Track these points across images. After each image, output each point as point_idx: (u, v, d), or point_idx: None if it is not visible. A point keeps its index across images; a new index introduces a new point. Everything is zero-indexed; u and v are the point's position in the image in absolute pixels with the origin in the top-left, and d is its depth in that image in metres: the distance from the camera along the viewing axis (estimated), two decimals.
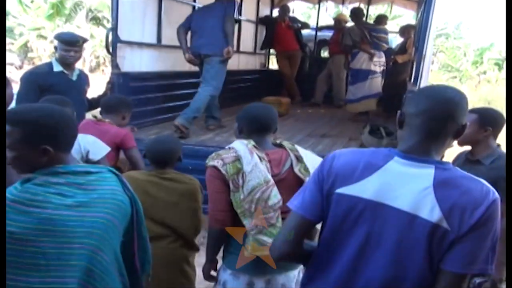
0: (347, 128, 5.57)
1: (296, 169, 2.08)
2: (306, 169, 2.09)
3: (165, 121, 5.22)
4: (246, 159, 1.99)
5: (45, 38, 19.83)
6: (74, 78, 3.70)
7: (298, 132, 5.13)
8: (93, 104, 3.97)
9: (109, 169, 1.54)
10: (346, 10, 9.35)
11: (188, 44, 4.82)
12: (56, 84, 3.48)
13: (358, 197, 1.35)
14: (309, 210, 1.44)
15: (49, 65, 3.69)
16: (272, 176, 2.01)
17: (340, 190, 1.38)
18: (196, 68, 5.11)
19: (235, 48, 7.48)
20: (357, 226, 1.37)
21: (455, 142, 2.52)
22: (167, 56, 5.42)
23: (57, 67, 3.62)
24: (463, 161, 2.59)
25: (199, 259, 2.69)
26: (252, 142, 2.07)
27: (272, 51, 8.77)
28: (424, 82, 4.59)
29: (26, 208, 1.33)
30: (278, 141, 2.22)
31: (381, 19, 6.63)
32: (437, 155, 1.37)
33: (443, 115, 1.33)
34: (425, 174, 1.31)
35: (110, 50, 4.31)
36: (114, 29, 4.24)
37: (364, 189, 1.35)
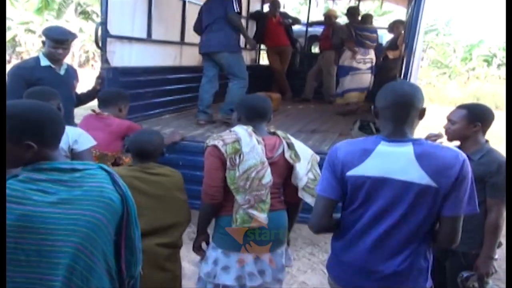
0: (337, 124, 5.58)
1: (287, 155, 2.35)
2: (296, 155, 2.37)
3: (155, 116, 5.20)
4: (245, 141, 2.24)
5: (33, 32, 19.67)
6: (62, 72, 3.67)
7: (288, 127, 5.13)
8: (82, 99, 3.94)
9: (101, 166, 1.51)
10: (336, 6, 9.37)
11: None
12: (43, 79, 3.44)
13: (364, 176, 1.77)
14: (330, 192, 1.86)
15: (36, 59, 3.64)
16: (267, 158, 2.28)
17: (349, 173, 1.79)
18: (187, 63, 5.10)
19: None
20: (372, 197, 1.79)
21: (444, 138, 2.57)
22: (158, 51, 5.40)
23: (44, 62, 3.59)
24: None
25: (189, 255, 2.69)
26: (251, 127, 2.31)
27: (262, 46, 8.76)
28: (413, 78, 4.60)
29: (9, 203, 1.31)
30: (272, 130, 2.48)
31: (366, 18, 6.82)
32: (411, 134, 1.79)
33: (405, 105, 1.76)
34: (407, 150, 1.74)
35: (100, 44, 4.27)
36: (104, 23, 4.21)
37: (366, 168, 1.77)
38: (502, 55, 23.12)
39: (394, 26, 6.95)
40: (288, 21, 7.90)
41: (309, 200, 2.38)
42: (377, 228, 1.80)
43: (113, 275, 1.47)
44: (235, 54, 4.85)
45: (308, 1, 9.50)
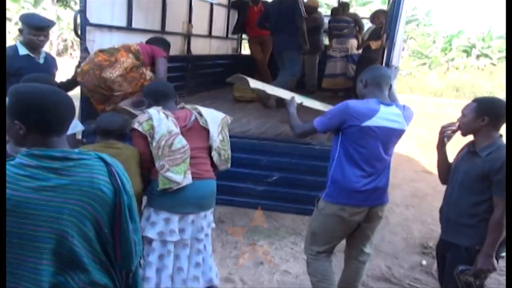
0: (318, 114, 5.57)
1: (200, 122, 2.82)
2: (206, 121, 2.83)
3: None
4: (156, 117, 2.66)
5: (9, 20, 19.19)
6: (42, 61, 3.60)
7: (269, 118, 5.14)
8: (62, 88, 3.87)
9: (99, 156, 1.54)
10: None
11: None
12: (23, 68, 3.37)
13: (377, 126, 2.60)
14: (322, 129, 2.77)
15: (14, 48, 3.56)
16: (181, 127, 2.71)
17: (366, 124, 2.58)
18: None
19: (206, 32, 7.48)
20: (378, 140, 2.63)
21: (458, 134, 2.63)
22: (138, 40, 5.28)
23: (22, 51, 3.51)
24: (466, 151, 2.56)
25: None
26: (161, 107, 2.75)
27: (244, 36, 8.71)
28: (394, 70, 4.63)
29: None
30: (182, 105, 2.93)
31: (336, 10, 7.88)
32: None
33: (387, 80, 2.71)
34: (395, 110, 2.66)
35: (79, 33, 4.19)
36: (83, 11, 4.13)
37: (377, 121, 2.59)
38: (481, 45, 23.44)
39: (375, 16, 6.99)
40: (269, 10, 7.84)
41: (216, 158, 2.89)
42: (381, 161, 2.70)
43: (104, 262, 1.52)
44: (297, 52, 6.03)
45: None
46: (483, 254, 2.39)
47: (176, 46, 6.40)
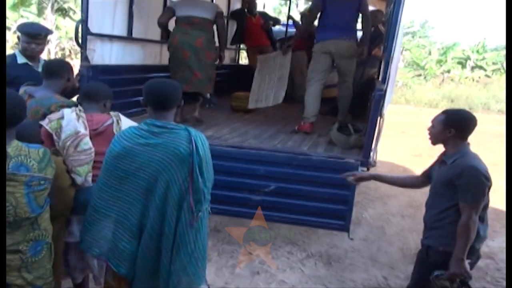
0: (316, 125, 5.62)
1: (115, 129, 2.77)
2: (120, 129, 2.81)
3: (134, 115, 5.16)
4: (67, 117, 2.65)
5: (8, 29, 19.23)
6: (40, 69, 3.62)
7: (268, 128, 5.16)
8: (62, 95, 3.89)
9: (186, 128, 2.25)
10: None
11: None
12: (20, 77, 3.38)
13: None
14: None
15: (13, 57, 3.59)
16: (92, 130, 2.69)
17: None
18: (167, 62, 5.07)
19: None
20: None
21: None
22: (138, 49, 5.37)
23: (21, 59, 3.55)
24: (438, 161, 2.74)
25: None
26: (79, 108, 2.75)
27: (242, 46, 8.76)
28: (391, 81, 4.68)
29: (121, 139, 2.29)
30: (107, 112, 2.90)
31: None
32: None
33: None
34: None
35: (80, 42, 4.23)
36: (84, 21, 4.17)
37: None
38: (475, 57, 23.63)
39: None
40: (269, 23, 7.89)
41: None
42: None
43: (181, 203, 2.18)
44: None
45: (288, 2, 9.53)
46: (454, 258, 2.49)
47: None
